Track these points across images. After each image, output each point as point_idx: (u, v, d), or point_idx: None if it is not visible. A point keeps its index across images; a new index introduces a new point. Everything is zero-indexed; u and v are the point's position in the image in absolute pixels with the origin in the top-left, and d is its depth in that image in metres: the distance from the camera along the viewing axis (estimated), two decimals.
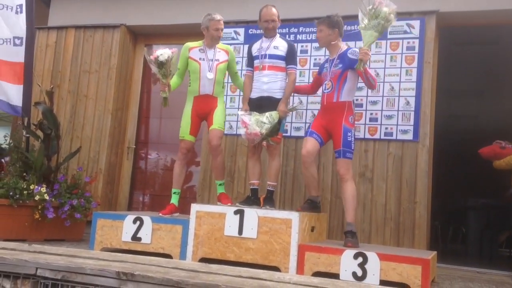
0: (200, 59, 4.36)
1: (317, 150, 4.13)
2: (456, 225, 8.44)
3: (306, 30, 5.09)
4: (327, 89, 4.06)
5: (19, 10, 4.91)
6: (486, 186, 7.69)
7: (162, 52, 4.19)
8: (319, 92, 4.30)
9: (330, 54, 4.20)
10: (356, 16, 3.96)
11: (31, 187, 4.40)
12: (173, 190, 4.43)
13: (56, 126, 4.88)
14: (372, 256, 3.44)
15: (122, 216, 4.14)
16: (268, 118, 4.03)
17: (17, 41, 4.86)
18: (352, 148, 4.01)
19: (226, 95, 5.10)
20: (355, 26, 4.57)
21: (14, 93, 4.83)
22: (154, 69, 4.29)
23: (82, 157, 5.64)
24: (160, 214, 4.21)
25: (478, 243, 6.91)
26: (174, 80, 4.46)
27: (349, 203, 3.97)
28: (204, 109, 4.36)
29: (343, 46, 4.13)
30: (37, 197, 4.35)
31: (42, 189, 4.41)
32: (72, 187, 4.72)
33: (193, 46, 4.44)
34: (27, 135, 4.87)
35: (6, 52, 4.86)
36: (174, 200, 4.40)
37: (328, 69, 4.10)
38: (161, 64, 4.21)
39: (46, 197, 4.38)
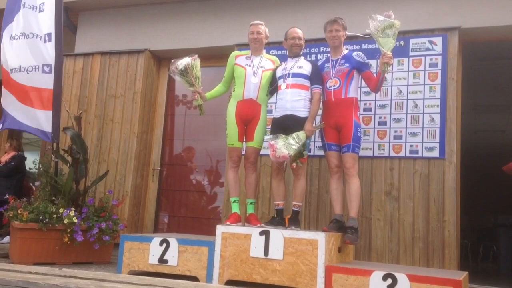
0: (246, 65, 4.39)
1: (341, 160, 4.22)
2: (486, 243, 8.22)
3: (326, 50, 5.12)
4: (334, 86, 4.22)
5: (47, 38, 5.07)
6: None
7: (182, 60, 4.27)
8: None
9: (333, 54, 4.37)
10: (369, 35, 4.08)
11: (60, 211, 4.49)
12: (232, 199, 4.38)
13: (84, 151, 4.98)
14: (401, 278, 3.38)
15: (149, 239, 4.17)
16: (295, 139, 4.02)
17: (46, 69, 4.98)
18: (360, 143, 4.22)
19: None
20: (374, 44, 4.62)
21: (43, 119, 4.95)
22: (177, 79, 4.36)
23: (109, 180, 5.73)
24: (228, 223, 4.11)
25: (510, 261, 6.71)
26: (217, 89, 4.53)
27: (354, 198, 4.12)
28: (248, 114, 4.33)
29: (344, 48, 4.38)
30: (66, 221, 4.43)
31: (71, 212, 4.49)
32: (99, 210, 4.79)
33: (240, 54, 4.51)
34: (56, 160, 4.98)
35: (34, 79, 5.01)
36: (236, 208, 4.33)
37: (332, 68, 4.26)
38: (182, 73, 4.28)
39: (75, 220, 4.46)
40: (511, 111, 8.50)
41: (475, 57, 5.92)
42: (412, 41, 4.87)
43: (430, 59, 4.80)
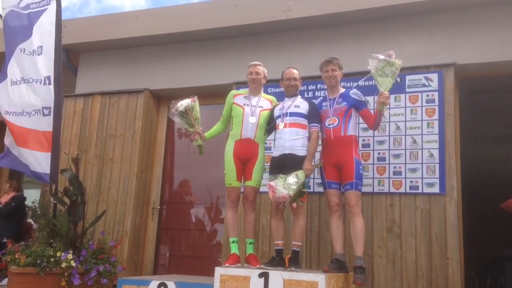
0: (244, 104, 4.42)
1: (342, 199, 4.20)
2: (494, 276, 8.04)
3: (324, 87, 5.15)
4: (333, 124, 4.24)
5: (47, 81, 5.15)
6: None
7: (182, 102, 4.30)
8: None
9: (330, 93, 4.41)
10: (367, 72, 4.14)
11: (58, 254, 4.45)
12: (231, 240, 4.33)
13: (82, 192, 4.98)
14: None
15: (147, 282, 4.11)
16: (294, 178, 4.00)
17: (46, 111, 5.06)
18: (362, 180, 4.20)
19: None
20: (372, 81, 4.66)
21: (42, 161, 4.97)
22: (177, 120, 4.38)
23: (108, 220, 5.69)
24: (227, 265, 4.04)
25: None
26: (216, 128, 4.55)
27: (359, 237, 4.07)
28: (245, 153, 4.33)
29: (340, 87, 4.42)
30: (63, 265, 4.38)
31: (69, 256, 4.44)
32: (98, 252, 4.74)
33: (239, 93, 4.56)
34: (54, 202, 4.97)
35: (36, 122, 5.07)
36: (235, 249, 4.27)
37: (330, 107, 4.30)
38: (182, 114, 4.30)
39: (73, 263, 4.41)
40: None
41: (473, 91, 5.95)
42: (408, 77, 4.90)
43: (427, 95, 4.83)
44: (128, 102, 6.14)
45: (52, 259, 4.42)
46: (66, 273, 4.43)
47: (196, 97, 4.40)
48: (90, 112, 6.29)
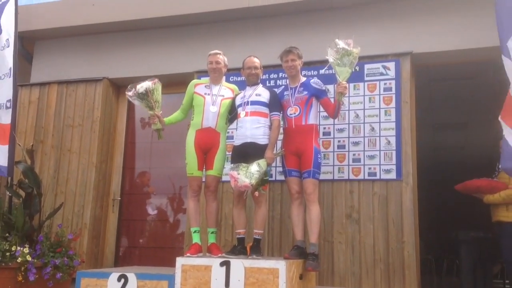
0: (205, 94, 4.39)
1: (301, 186, 4.23)
2: (450, 258, 8.36)
3: (285, 76, 5.17)
4: (294, 113, 4.27)
5: (10, 73, 4.99)
6: (476, 217, 7.71)
7: (142, 84, 4.24)
8: None
9: (291, 82, 4.44)
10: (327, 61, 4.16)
11: (13, 248, 4.32)
12: (193, 229, 4.32)
13: (37, 184, 4.84)
14: None
15: (106, 274, 4.05)
16: (256, 167, 4.01)
17: (8, 104, 4.91)
18: (320, 169, 4.27)
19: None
20: (332, 70, 4.70)
21: (1, 154, 4.83)
22: (136, 102, 4.33)
23: (66, 213, 5.56)
24: (188, 254, 4.04)
25: (472, 276, 6.83)
26: (175, 115, 4.51)
27: (314, 224, 4.15)
28: (207, 143, 4.32)
29: (301, 76, 4.43)
30: (19, 259, 4.26)
31: (24, 249, 4.33)
32: (56, 245, 4.64)
33: (200, 83, 4.52)
34: (10, 195, 4.82)
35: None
36: (196, 239, 4.27)
37: (291, 96, 4.32)
38: (142, 96, 4.25)
39: (29, 258, 4.30)
40: (468, 128, 8.78)
41: (429, 79, 6.12)
42: (366, 66, 4.98)
43: (385, 84, 4.92)
44: (86, 91, 5.99)
45: (7, 254, 4.29)
46: (22, 268, 4.31)
47: (157, 79, 4.35)
48: (46, 102, 6.10)
